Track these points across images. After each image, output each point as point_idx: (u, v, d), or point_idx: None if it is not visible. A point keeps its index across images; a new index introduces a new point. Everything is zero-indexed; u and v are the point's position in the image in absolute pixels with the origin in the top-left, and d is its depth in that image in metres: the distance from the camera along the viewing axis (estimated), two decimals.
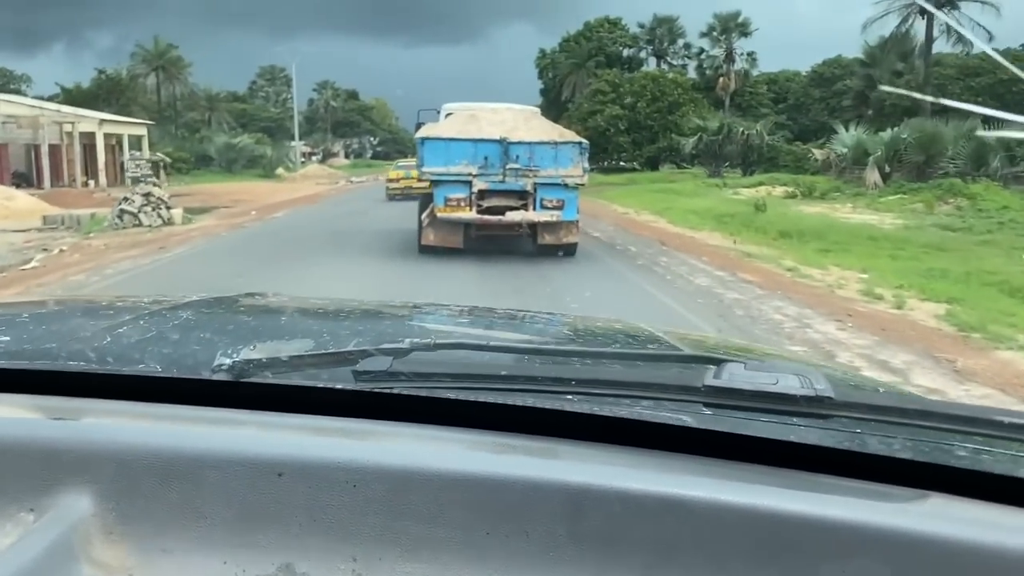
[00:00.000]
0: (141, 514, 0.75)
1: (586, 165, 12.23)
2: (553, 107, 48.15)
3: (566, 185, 11.87)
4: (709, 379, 0.89)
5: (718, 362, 0.95)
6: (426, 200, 12.61)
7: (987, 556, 0.69)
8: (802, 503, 0.72)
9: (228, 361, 0.92)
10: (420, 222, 12.71)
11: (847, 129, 29.79)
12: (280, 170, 49.88)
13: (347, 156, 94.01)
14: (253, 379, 0.91)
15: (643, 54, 60.73)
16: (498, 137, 11.75)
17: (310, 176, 47.55)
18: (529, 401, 0.87)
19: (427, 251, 12.35)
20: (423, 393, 0.88)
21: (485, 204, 11.95)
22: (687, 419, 0.85)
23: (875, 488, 0.79)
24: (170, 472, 0.75)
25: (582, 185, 12.12)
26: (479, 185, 11.81)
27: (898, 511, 0.74)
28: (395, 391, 0.88)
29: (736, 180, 32.70)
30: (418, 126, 13.72)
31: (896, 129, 28.04)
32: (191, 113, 62.17)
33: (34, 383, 0.94)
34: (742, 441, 0.83)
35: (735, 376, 0.90)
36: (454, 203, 11.89)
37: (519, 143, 11.77)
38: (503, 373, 0.92)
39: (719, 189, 29.11)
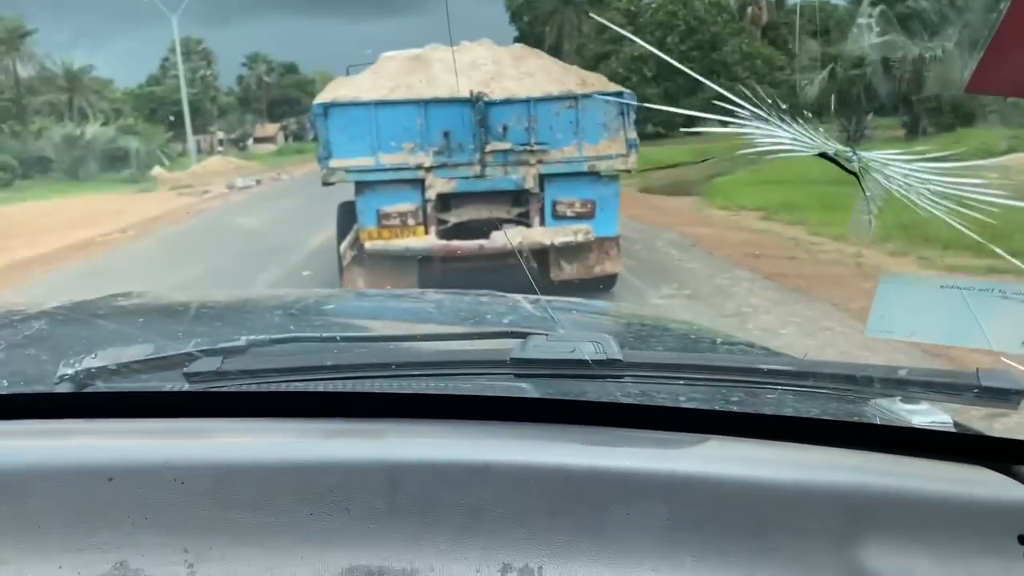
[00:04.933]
0: None
1: (632, 134, 6.93)
2: None
3: (597, 174, 6.76)
4: (516, 352, 0.98)
5: (524, 336, 1.04)
6: (348, 212, 7.31)
7: (755, 489, 0.77)
8: (591, 456, 0.81)
9: (70, 371, 0.96)
10: (339, 255, 7.31)
11: None
12: (158, 169, 34.89)
13: (286, 139, 79.12)
14: (92, 388, 0.95)
15: None
16: (468, 94, 6.60)
17: (199, 176, 32.70)
18: (349, 387, 0.95)
19: None
20: (251, 389, 0.93)
21: (452, 219, 7.08)
22: (493, 390, 0.97)
23: (662, 436, 0.88)
24: (1, 487, 0.78)
25: (626, 172, 6.84)
26: (438, 185, 6.86)
27: (676, 455, 0.84)
28: (224, 389, 0.93)
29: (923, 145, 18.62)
30: None
31: None
32: (38, 98, 46.06)
33: None
34: (546, 404, 0.95)
35: (538, 347, 0.99)
36: (395, 221, 6.92)
37: (507, 102, 6.83)
38: (329, 363, 0.99)
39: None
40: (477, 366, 1.02)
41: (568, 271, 7.21)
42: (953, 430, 0.92)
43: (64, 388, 0.94)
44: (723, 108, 1.06)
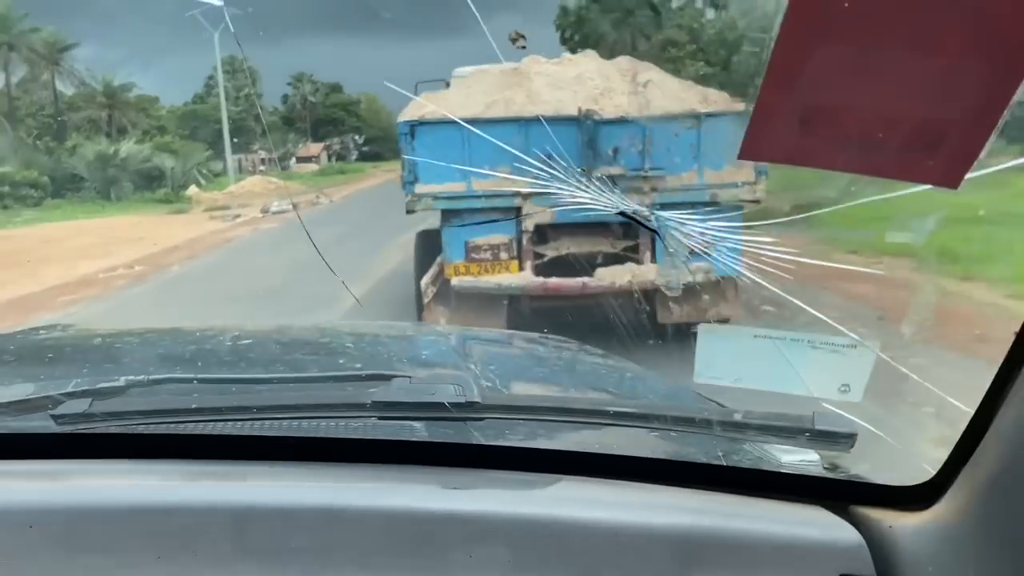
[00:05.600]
0: None
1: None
2: None
3: (716, 204, 5.74)
4: (377, 395, 1.00)
5: (388, 379, 1.07)
6: (429, 242, 6.75)
7: (594, 531, 0.79)
8: (440, 499, 0.83)
9: None
10: (419, 289, 6.60)
11: None
12: (193, 189, 33.11)
13: (329, 159, 78.51)
14: None
15: (698, 1, 44.56)
16: (577, 112, 5.90)
17: (235, 196, 30.96)
18: (212, 429, 0.95)
19: None
20: (117, 431, 0.93)
21: (549, 253, 6.35)
22: (353, 432, 0.98)
23: (516, 477, 0.90)
24: None
25: (755, 202, 5.86)
26: (536, 215, 5.91)
27: (524, 497, 0.86)
28: (90, 431, 0.93)
29: None
30: None
31: None
32: (78, 114, 44.85)
33: None
34: (401, 447, 0.97)
35: (399, 390, 1.01)
36: (486, 254, 6.23)
37: (619, 121, 6.04)
38: (194, 406, 0.99)
39: None
40: (340, 409, 1.02)
41: (678, 314, 6.06)
42: (813, 472, 0.95)
43: None
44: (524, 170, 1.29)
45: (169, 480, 0.88)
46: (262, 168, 55.84)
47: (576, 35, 42.14)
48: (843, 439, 0.93)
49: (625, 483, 0.89)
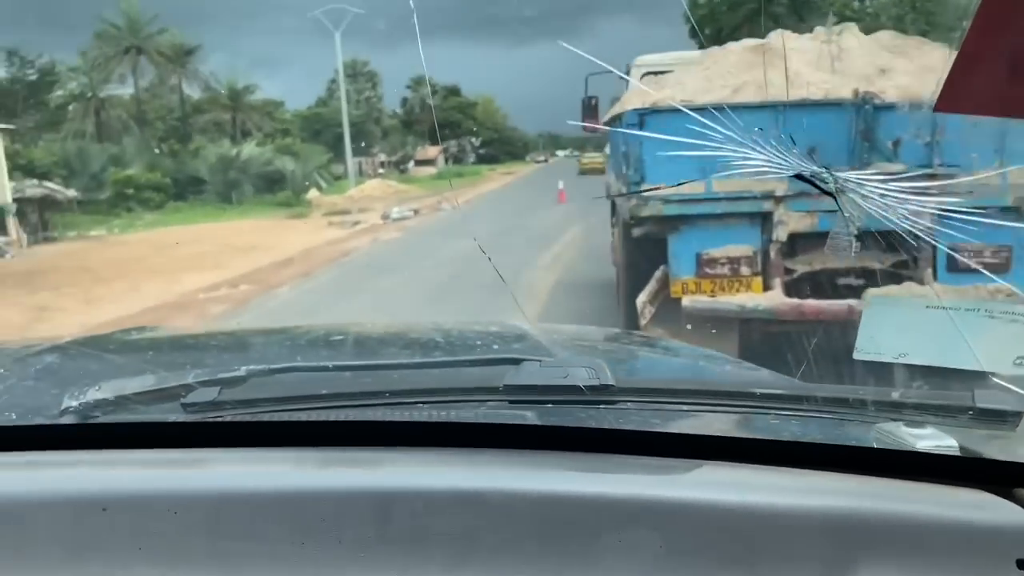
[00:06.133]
0: None
1: None
2: None
3: (1018, 210, 4.85)
4: (508, 378, 0.99)
5: (517, 362, 1.05)
6: (643, 250, 5.64)
7: (749, 516, 0.77)
8: (583, 483, 0.81)
9: (74, 403, 0.97)
10: (631, 307, 5.66)
11: None
12: (313, 192, 31.92)
13: (446, 161, 78.24)
14: (95, 419, 0.96)
15: None
16: (853, 95, 4.94)
17: (355, 201, 29.87)
18: (344, 416, 0.94)
19: None
20: (247, 418, 0.93)
21: (800, 268, 5.28)
22: (487, 416, 0.96)
23: (656, 462, 0.87)
24: None
25: None
26: (792, 222, 5.11)
27: (669, 481, 0.83)
28: (220, 419, 0.93)
29: None
30: (588, 101, 7.21)
31: None
32: (203, 116, 45.00)
33: None
34: (538, 431, 0.93)
35: (531, 374, 1.00)
36: (723, 268, 5.25)
37: (904, 107, 4.98)
38: (324, 392, 0.98)
39: None
40: (471, 392, 1.02)
41: None
42: (957, 453, 0.89)
43: (67, 420, 0.96)
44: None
45: (305, 467, 0.87)
46: (381, 171, 55.38)
47: (708, 27, 39.76)
48: (1010, 417, 0.92)
49: (772, 467, 0.85)
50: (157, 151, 35.05)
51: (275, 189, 32.07)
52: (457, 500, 0.77)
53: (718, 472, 0.84)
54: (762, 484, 0.81)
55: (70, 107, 41.00)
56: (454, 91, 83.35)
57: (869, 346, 0.99)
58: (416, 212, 22.61)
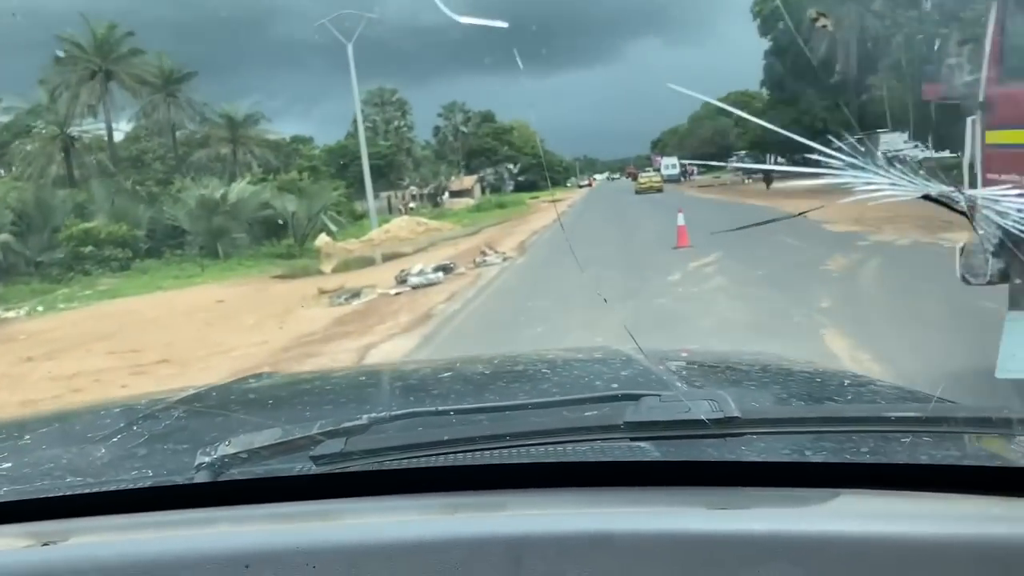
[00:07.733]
0: None
1: None
2: (798, 77, 30.42)
3: None
4: (628, 415, 0.95)
5: (637, 398, 1.01)
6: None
7: (896, 546, 0.73)
8: (717, 520, 0.79)
9: (207, 459, 0.97)
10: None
11: None
12: (323, 239, 27.06)
13: (483, 191, 74.16)
14: (227, 476, 0.96)
15: None
16: None
17: (378, 245, 25.57)
18: (467, 460, 0.94)
19: None
20: (374, 468, 0.94)
21: None
22: (611, 455, 0.95)
23: (789, 493, 0.85)
24: None
25: None
26: None
27: (807, 513, 0.80)
28: (348, 470, 0.94)
29: None
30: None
31: None
32: (199, 152, 39.58)
33: (30, 509, 0.98)
34: (665, 467, 0.93)
35: (652, 409, 0.96)
36: None
37: None
38: (446, 437, 0.97)
39: None
40: (592, 432, 0.99)
41: None
42: None
43: (202, 477, 0.96)
44: (811, 160, 1.10)
45: (433, 514, 0.89)
46: (412, 206, 51.41)
47: (779, 22, 36.11)
48: None
49: (914, 493, 0.82)
50: (130, 195, 29.77)
51: (280, 235, 27.18)
52: (588, 542, 0.76)
53: (857, 501, 0.81)
54: (906, 512, 0.79)
55: (28, 147, 35.65)
56: (488, 117, 79.87)
57: (1011, 364, 0.93)
58: (448, 271, 15.04)
